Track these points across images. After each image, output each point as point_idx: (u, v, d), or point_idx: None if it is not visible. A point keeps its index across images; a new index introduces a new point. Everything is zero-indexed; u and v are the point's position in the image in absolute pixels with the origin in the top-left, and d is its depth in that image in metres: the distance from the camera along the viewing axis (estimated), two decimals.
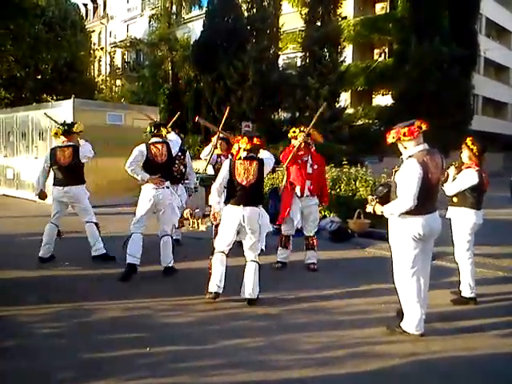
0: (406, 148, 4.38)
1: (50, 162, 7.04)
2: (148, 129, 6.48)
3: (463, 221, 5.41)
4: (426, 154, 4.30)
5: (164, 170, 6.30)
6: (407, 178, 4.24)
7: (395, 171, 4.47)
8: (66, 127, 7.12)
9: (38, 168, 7.15)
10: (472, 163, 5.42)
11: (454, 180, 5.49)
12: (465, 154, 5.52)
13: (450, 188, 5.46)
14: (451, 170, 5.60)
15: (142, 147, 6.23)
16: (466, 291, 5.43)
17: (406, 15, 24.54)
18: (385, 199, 4.51)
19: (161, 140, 6.38)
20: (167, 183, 6.38)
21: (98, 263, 6.87)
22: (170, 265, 6.41)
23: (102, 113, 13.21)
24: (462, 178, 5.38)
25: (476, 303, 5.39)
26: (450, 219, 5.54)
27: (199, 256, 7.31)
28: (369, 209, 4.68)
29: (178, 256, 6.79)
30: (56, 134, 7.18)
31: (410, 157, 4.30)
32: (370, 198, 4.74)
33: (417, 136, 4.30)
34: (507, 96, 38.33)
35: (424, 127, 4.32)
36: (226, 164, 5.41)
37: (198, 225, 10.06)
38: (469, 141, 5.50)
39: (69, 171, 6.97)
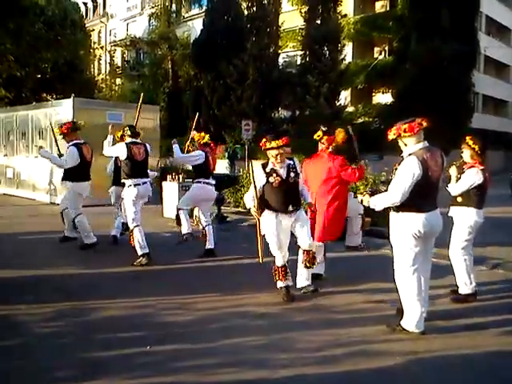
0: (406, 145, 4.39)
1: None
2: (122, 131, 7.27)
3: (466, 220, 5.40)
4: (426, 152, 4.30)
5: (143, 167, 7.07)
6: (402, 174, 4.26)
7: (395, 168, 4.47)
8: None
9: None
10: (475, 162, 5.41)
11: (457, 180, 5.47)
12: (466, 154, 5.50)
13: (455, 188, 5.45)
14: (453, 170, 5.59)
15: (123, 146, 6.91)
16: (463, 288, 5.44)
17: (405, 13, 24.47)
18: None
19: (139, 141, 7.10)
20: (149, 179, 7.28)
21: (99, 263, 6.86)
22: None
23: (101, 112, 13.22)
24: (467, 177, 5.37)
25: (475, 299, 5.39)
26: (451, 218, 5.54)
27: (199, 254, 7.33)
28: (358, 198, 4.76)
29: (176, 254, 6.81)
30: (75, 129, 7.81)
31: (410, 154, 4.31)
32: (367, 189, 4.83)
33: (417, 132, 4.31)
34: (508, 94, 38.26)
35: (425, 124, 4.32)
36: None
37: (197, 222, 10.04)
38: (469, 140, 5.47)
39: (89, 167, 7.86)
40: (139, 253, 6.81)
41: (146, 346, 4.06)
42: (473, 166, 5.39)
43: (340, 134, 6.20)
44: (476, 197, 5.39)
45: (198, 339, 4.26)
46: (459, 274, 5.46)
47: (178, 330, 4.51)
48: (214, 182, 7.60)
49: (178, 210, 7.55)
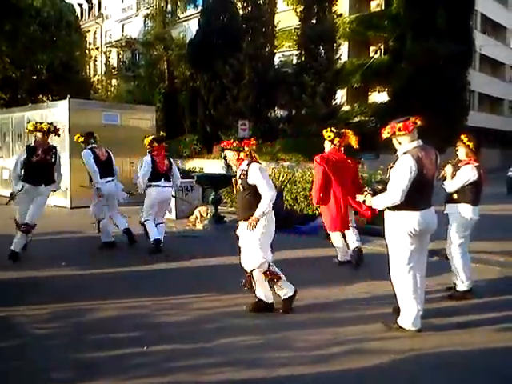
0: (400, 143, 4.39)
1: None
2: (80, 138, 7.84)
3: (462, 217, 5.42)
4: (420, 150, 4.31)
5: (107, 166, 7.69)
6: (399, 173, 4.26)
7: (390, 168, 4.48)
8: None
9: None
10: (470, 159, 5.44)
11: (453, 177, 5.50)
12: (461, 151, 5.53)
13: (451, 185, 5.47)
14: (448, 168, 5.60)
15: (88, 151, 7.59)
16: (460, 285, 5.44)
17: (401, 12, 24.54)
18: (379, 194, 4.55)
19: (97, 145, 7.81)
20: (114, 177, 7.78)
21: (93, 264, 6.84)
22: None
23: (97, 112, 13.21)
24: (462, 174, 5.39)
25: (473, 296, 5.40)
26: (446, 215, 5.55)
27: (195, 254, 7.33)
28: (360, 198, 4.72)
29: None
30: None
31: (404, 153, 4.31)
32: (365, 188, 4.80)
33: (411, 131, 4.31)
34: (503, 92, 38.38)
35: (419, 123, 4.32)
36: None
37: (193, 224, 10.04)
38: (464, 138, 5.51)
39: None
40: (103, 240, 7.70)
41: (142, 347, 4.04)
42: (468, 163, 5.42)
43: (354, 137, 6.76)
44: (471, 193, 5.41)
45: (194, 339, 4.26)
46: (458, 270, 5.46)
47: (173, 330, 4.50)
48: (167, 183, 7.62)
49: (143, 222, 7.61)
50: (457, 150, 5.61)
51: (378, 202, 4.49)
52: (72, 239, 7.75)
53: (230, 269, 6.67)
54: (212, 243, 8.32)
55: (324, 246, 7.56)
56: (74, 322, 4.69)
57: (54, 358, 3.90)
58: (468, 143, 5.46)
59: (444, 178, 5.62)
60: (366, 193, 4.68)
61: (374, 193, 4.60)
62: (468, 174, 5.36)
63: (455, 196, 5.47)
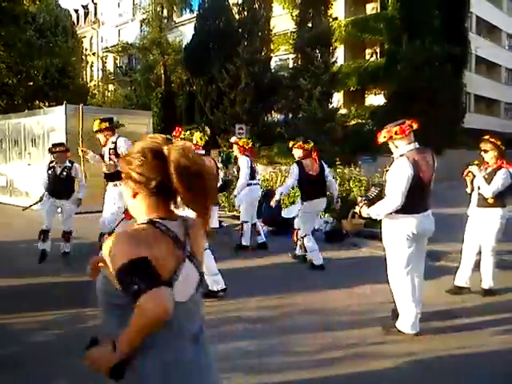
0: (397, 147, 4.39)
1: None
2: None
3: (499, 220, 5.51)
4: (417, 153, 4.30)
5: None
6: (396, 177, 4.25)
7: (386, 170, 4.47)
8: None
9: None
10: (502, 162, 5.50)
11: (487, 181, 5.49)
12: (491, 154, 5.54)
13: (490, 190, 5.45)
14: (475, 170, 5.60)
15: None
16: (489, 282, 5.63)
17: (396, 15, 24.57)
18: (376, 201, 4.49)
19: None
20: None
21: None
22: None
23: (94, 118, 13.19)
24: (500, 179, 5.42)
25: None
26: (467, 217, 5.71)
27: None
28: (357, 210, 4.69)
29: None
30: None
31: (401, 156, 4.31)
32: (359, 199, 4.75)
33: (408, 134, 4.31)
34: (499, 93, 38.45)
35: (415, 126, 4.32)
36: None
37: None
38: (497, 140, 5.56)
39: None
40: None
41: None
42: (501, 167, 5.46)
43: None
44: (504, 197, 5.52)
45: None
46: (488, 270, 5.62)
47: None
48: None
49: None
50: (485, 152, 5.59)
51: (378, 211, 4.41)
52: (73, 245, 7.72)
53: (229, 274, 6.67)
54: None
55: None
56: (71, 329, 4.68)
57: (54, 365, 3.89)
58: (501, 146, 5.49)
59: (471, 181, 5.67)
60: (361, 204, 4.61)
61: (369, 200, 4.55)
62: (506, 178, 5.41)
63: (491, 201, 5.49)
